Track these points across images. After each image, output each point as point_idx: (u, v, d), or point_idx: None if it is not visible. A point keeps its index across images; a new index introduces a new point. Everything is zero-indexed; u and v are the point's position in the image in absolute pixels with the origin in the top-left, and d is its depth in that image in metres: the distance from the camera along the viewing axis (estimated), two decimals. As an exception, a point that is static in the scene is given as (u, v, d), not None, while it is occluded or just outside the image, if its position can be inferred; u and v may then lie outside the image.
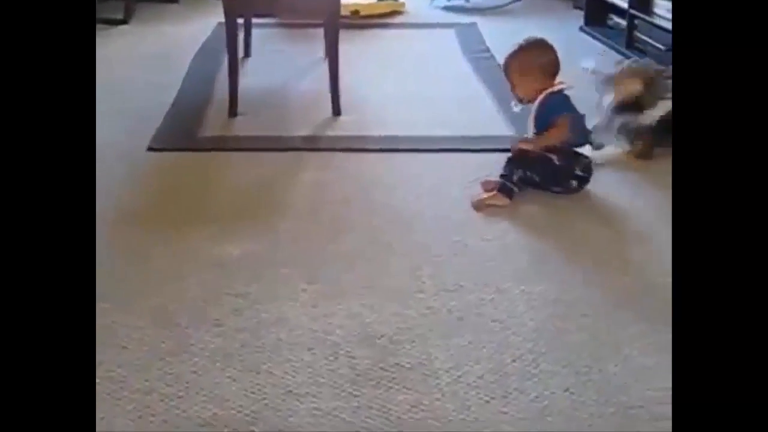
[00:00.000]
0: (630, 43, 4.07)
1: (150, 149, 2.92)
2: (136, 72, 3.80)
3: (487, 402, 1.64)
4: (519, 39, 2.65)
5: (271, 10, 3.54)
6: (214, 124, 3.18)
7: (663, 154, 2.69)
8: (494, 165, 2.60)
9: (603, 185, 2.59)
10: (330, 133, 3.11)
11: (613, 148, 2.81)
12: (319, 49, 3.81)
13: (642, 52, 3.82)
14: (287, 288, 2.04)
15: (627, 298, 2.01)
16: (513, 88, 2.62)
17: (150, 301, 1.97)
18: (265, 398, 1.65)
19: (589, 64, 3.81)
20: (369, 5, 4.84)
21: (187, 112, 3.29)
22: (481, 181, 2.59)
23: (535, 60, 2.56)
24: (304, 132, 3.09)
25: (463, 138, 3.00)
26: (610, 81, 2.92)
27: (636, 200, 2.53)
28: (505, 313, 1.94)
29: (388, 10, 4.94)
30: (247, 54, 3.96)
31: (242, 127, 3.16)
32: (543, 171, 2.52)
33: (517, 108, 2.69)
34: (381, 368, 1.74)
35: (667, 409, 1.56)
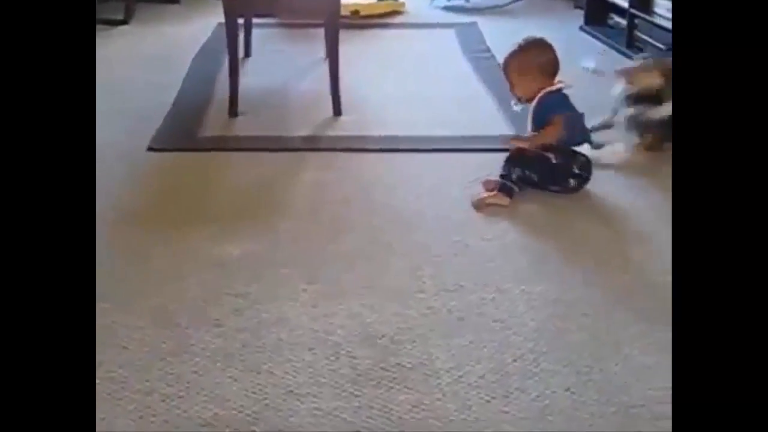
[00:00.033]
0: (630, 43, 4.07)
1: (150, 149, 2.92)
2: (136, 72, 3.80)
3: (488, 402, 1.64)
4: (519, 39, 2.65)
5: (271, 11, 3.54)
6: (214, 124, 3.18)
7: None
8: (494, 165, 2.60)
9: (603, 185, 2.59)
10: (330, 133, 3.11)
11: (621, 145, 2.80)
12: (320, 49, 3.81)
13: (642, 52, 3.82)
14: (287, 288, 2.04)
15: (627, 298, 2.01)
16: (512, 87, 2.63)
17: (150, 302, 1.97)
18: (266, 398, 1.65)
19: (590, 63, 3.83)
20: (369, 5, 4.84)
21: (187, 113, 3.30)
22: (481, 181, 2.59)
23: (534, 59, 2.57)
24: (304, 132, 3.09)
25: (464, 138, 3.01)
26: (628, 73, 2.91)
27: (636, 200, 2.53)
28: (505, 312, 1.94)
29: (388, 10, 4.94)
30: (247, 54, 3.96)
31: (242, 127, 3.16)
32: (541, 170, 2.52)
33: (517, 107, 2.70)
34: (382, 368, 1.74)
35: (668, 409, 1.56)
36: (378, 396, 1.66)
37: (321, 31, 3.57)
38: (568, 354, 1.79)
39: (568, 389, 1.68)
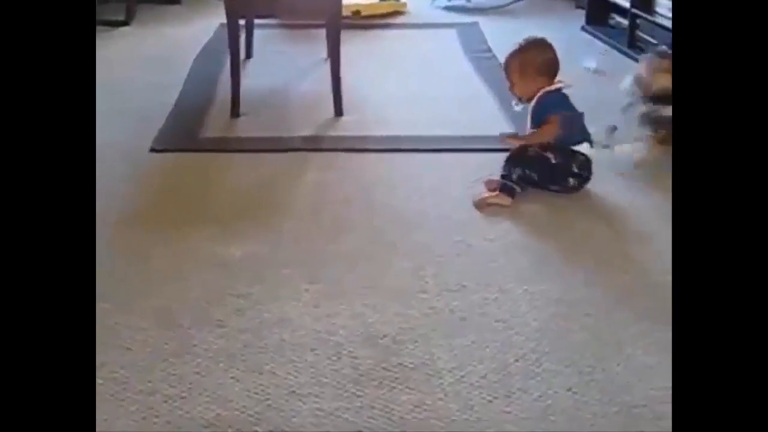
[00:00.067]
0: (632, 43, 4.06)
1: (152, 150, 2.92)
2: (137, 73, 3.80)
3: (490, 402, 1.64)
4: (520, 39, 2.65)
5: (272, 11, 3.54)
6: (216, 125, 3.18)
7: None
8: (495, 165, 2.60)
9: (603, 184, 2.59)
10: (332, 133, 3.11)
11: (629, 146, 2.78)
12: (321, 50, 3.81)
13: (643, 52, 3.82)
14: (289, 288, 2.04)
15: (629, 297, 2.01)
16: (512, 87, 2.64)
17: (153, 302, 1.98)
18: (268, 399, 1.65)
19: (591, 63, 3.83)
20: (370, 5, 4.84)
21: (188, 113, 3.30)
22: (484, 181, 2.59)
23: (534, 59, 2.58)
24: (305, 132, 3.09)
25: (465, 138, 3.01)
26: (646, 84, 2.86)
27: (636, 199, 2.53)
28: (507, 312, 1.94)
29: (389, 10, 4.94)
30: (248, 55, 3.96)
31: (244, 127, 3.16)
32: (540, 169, 2.52)
33: (517, 107, 2.71)
34: (384, 368, 1.74)
35: (670, 408, 1.56)
36: (380, 396, 1.66)
37: (322, 32, 3.57)
38: (570, 354, 1.79)
39: (570, 389, 1.68)
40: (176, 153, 2.92)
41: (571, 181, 2.55)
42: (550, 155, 2.52)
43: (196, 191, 2.63)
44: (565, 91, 2.59)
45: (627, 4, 4.10)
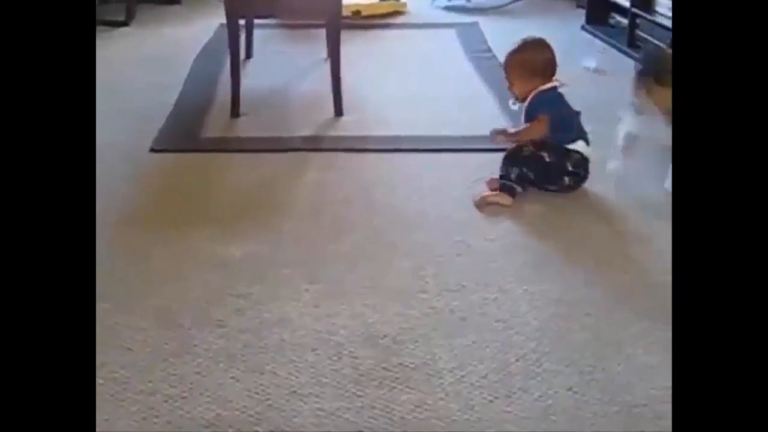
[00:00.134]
0: (632, 42, 4.06)
1: (152, 150, 2.92)
2: (137, 73, 3.81)
3: (491, 401, 1.64)
4: (520, 38, 2.66)
5: (272, 11, 3.54)
6: (216, 125, 3.18)
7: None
8: (495, 165, 2.59)
9: (603, 184, 2.59)
10: (332, 133, 3.11)
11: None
12: (321, 50, 3.81)
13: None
14: (289, 288, 2.04)
15: (629, 297, 2.01)
16: (510, 86, 2.65)
17: (153, 302, 1.98)
18: (268, 399, 1.65)
19: (591, 63, 3.83)
20: (370, 5, 4.84)
21: (189, 113, 3.30)
22: (485, 180, 2.59)
23: (532, 59, 2.59)
24: (305, 132, 3.09)
25: (465, 138, 3.00)
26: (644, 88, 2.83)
27: (637, 199, 2.53)
28: (508, 312, 1.94)
29: (389, 10, 4.94)
30: (248, 55, 3.96)
31: (244, 127, 3.16)
32: (536, 168, 2.53)
33: (514, 106, 2.73)
34: (384, 368, 1.74)
35: (671, 408, 1.56)
36: (380, 396, 1.66)
37: (322, 32, 3.57)
38: (570, 354, 1.79)
39: (570, 389, 1.68)
40: (176, 153, 2.92)
41: (567, 179, 2.55)
42: (544, 154, 2.53)
43: (196, 191, 2.64)
44: (561, 90, 2.59)
45: (627, 4, 4.10)
